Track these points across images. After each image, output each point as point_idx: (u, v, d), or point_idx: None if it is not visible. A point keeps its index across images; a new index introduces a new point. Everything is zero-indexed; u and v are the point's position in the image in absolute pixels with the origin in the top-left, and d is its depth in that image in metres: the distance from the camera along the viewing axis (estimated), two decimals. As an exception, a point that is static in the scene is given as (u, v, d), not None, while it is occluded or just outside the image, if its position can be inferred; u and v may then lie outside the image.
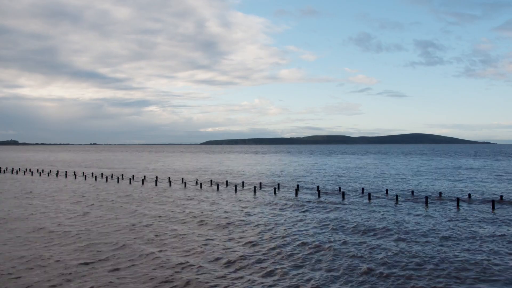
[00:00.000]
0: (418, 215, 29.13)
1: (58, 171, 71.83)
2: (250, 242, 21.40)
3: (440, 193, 39.09)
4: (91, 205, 34.93)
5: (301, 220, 27.37)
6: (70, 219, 28.28)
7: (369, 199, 36.96)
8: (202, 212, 30.61)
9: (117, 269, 16.88)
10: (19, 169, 78.59)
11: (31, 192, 44.67)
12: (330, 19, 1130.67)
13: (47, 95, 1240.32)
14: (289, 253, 19.30)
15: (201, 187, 47.33)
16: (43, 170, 74.27)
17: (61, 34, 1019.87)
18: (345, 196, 38.67)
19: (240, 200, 37.02)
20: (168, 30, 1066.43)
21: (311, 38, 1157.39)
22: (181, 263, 17.61)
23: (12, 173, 73.31)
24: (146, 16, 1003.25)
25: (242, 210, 31.50)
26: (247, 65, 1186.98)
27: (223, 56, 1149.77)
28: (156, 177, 56.44)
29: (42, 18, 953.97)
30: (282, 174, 69.78)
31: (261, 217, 28.73)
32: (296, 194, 40.46)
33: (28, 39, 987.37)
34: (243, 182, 49.06)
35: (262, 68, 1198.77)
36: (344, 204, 34.20)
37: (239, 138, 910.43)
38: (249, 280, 15.65)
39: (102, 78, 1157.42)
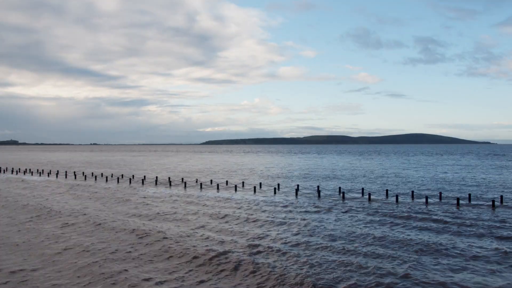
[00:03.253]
0: (418, 213, 29.15)
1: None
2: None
3: (440, 193, 39.04)
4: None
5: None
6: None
7: (369, 199, 36.97)
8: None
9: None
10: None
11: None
12: (327, 14, 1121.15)
13: (44, 94, 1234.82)
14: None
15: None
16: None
17: (45, 28, 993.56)
18: (345, 196, 38.75)
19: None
20: (158, 24, 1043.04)
21: (308, 33, 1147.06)
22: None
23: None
24: (133, 8, 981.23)
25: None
26: (244, 62, 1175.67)
27: (219, 52, 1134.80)
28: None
29: (22, 10, 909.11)
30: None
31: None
32: (296, 194, 40.56)
33: (11, 33, 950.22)
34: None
35: (260, 65, 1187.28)
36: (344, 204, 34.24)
37: (239, 138, 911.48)
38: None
39: (95, 76, 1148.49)
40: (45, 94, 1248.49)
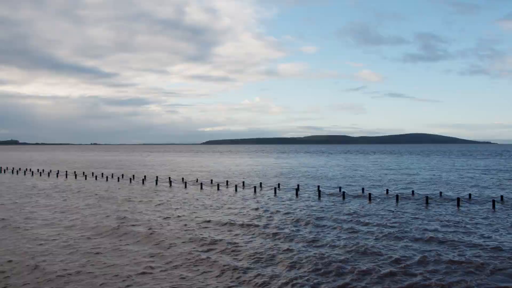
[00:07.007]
0: (418, 212, 29.18)
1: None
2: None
3: (441, 193, 39.05)
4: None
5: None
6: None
7: (369, 199, 36.95)
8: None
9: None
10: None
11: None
12: (323, 7, 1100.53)
13: (39, 92, 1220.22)
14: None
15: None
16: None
17: (27, 21, 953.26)
18: (346, 196, 38.75)
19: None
20: (146, 16, 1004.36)
21: (306, 27, 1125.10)
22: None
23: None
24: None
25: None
26: (242, 58, 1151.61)
27: (213, 48, 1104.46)
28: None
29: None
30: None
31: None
32: (297, 194, 40.56)
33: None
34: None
35: (258, 61, 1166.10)
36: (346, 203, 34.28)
37: (239, 138, 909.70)
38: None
39: (88, 73, 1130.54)
40: (40, 93, 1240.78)
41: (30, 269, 16.96)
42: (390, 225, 25.59)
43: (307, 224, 26.10)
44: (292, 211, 30.83)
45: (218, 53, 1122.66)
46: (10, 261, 18.12)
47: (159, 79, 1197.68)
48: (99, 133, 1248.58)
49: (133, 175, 60.36)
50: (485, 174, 68.70)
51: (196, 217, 28.78)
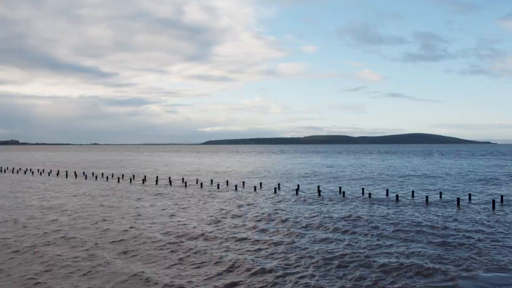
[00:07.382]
0: (419, 213, 29.27)
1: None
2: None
3: (441, 193, 39.10)
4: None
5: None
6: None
7: (370, 197, 37.06)
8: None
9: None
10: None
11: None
12: (323, 6, 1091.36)
13: (39, 92, 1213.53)
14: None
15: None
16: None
17: (25, 20, 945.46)
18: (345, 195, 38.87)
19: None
20: (145, 15, 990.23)
21: (306, 27, 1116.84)
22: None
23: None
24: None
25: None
26: (242, 58, 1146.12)
27: (213, 47, 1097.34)
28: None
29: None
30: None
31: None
32: (297, 193, 40.65)
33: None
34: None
35: (258, 60, 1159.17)
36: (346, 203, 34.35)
37: (239, 138, 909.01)
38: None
39: (87, 73, 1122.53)
40: (39, 93, 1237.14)
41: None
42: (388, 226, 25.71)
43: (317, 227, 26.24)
44: (292, 211, 30.99)
45: (218, 53, 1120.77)
46: None
47: (158, 79, 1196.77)
48: (99, 133, 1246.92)
49: (133, 175, 60.48)
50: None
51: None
